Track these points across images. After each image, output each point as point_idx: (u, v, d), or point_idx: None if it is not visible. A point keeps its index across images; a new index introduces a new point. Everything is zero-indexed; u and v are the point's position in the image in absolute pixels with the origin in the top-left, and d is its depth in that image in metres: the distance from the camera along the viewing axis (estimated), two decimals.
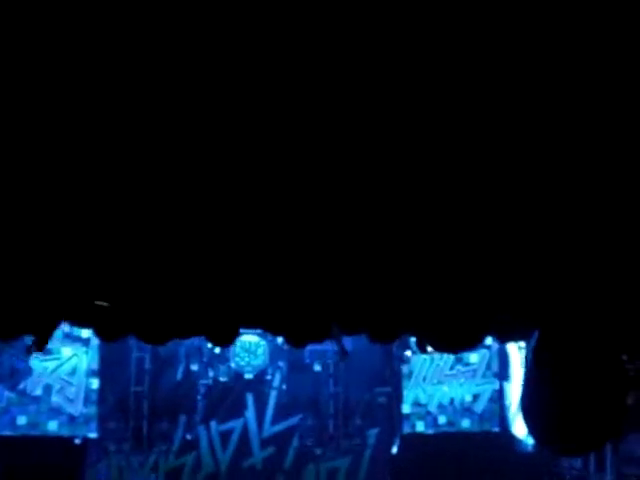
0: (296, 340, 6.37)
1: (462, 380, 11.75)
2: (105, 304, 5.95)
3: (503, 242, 5.46)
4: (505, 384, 11.65)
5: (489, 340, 11.12)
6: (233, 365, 11.64)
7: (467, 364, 11.78)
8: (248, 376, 11.68)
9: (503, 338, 6.75)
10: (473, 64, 4.65)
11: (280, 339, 10.49)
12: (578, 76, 4.67)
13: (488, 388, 11.70)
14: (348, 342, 10.98)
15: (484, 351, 11.52)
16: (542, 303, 5.66)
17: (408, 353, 11.63)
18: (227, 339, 6.41)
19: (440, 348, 6.46)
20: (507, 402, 11.67)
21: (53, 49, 4.66)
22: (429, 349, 9.63)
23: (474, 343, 6.15)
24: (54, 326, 5.98)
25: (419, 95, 4.79)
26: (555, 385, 5.65)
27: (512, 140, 4.95)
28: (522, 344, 10.97)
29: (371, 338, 6.32)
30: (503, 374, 11.61)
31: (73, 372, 11.22)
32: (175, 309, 5.94)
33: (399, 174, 5.19)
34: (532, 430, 5.68)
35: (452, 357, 11.70)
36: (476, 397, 11.74)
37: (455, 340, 6.02)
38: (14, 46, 4.61)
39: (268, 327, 6.48)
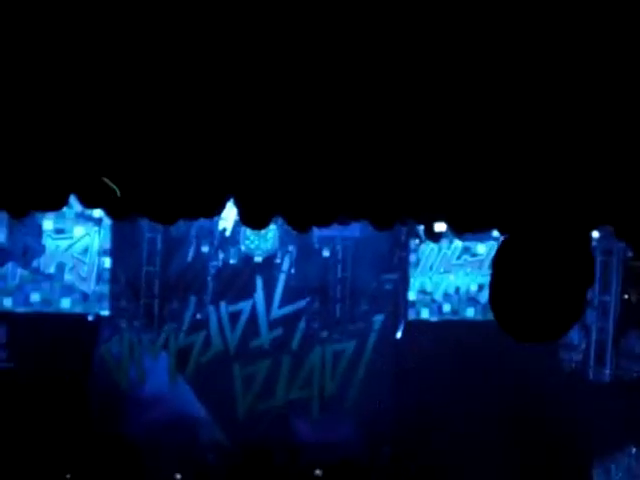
0: (300, 224, 6.42)
1: (468, 270, 11.88)
2: (114, 186, 5.99)
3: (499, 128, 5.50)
4: None
5: (497, 232, 11.18)
6: (243, 248, 11.78)
7: (474, 254, 11.89)
8: (258, 259, 11.83)
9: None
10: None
11: None
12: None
13: None
14: (356, 229, 11.12)
15: (492, 242, 11.59)
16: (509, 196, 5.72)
17: (416, 241, 11.72)
18: (261, 223, 6.50)
19: (454, 230, 6.53)
20: None
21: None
22: (438, 230, 9.64)
23: (485, 226, 6.19)
24: (64, 202, 6.03)
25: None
26: (519, 274, 5.73)
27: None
28: None
29: (372, 224, 6.38)
30: None
31: (86, 251, 11.38)
32: (197, 187, 5.98)
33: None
34: (498, 318, 5.79)
35: (460, 247, 11.80)
36: (481, 287, 11.88)
37: (465, 222, 6.07)
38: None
39: (278, 211, 6.53)
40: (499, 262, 5.88)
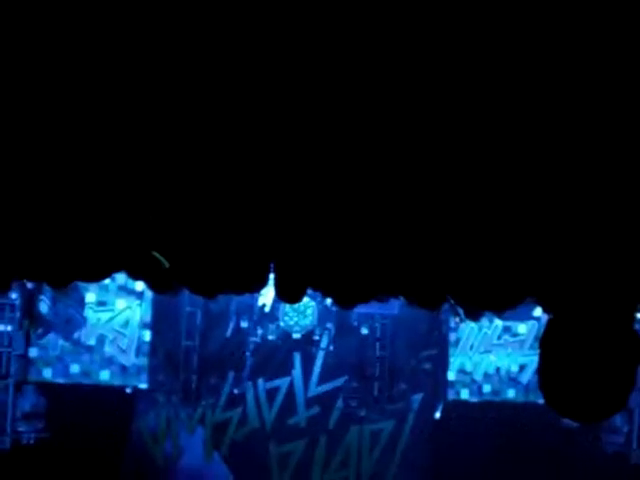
0: (345, 301, 6.45)
1: (509, 350, 11.73)
2: (161, 258, 6.07)
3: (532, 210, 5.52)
4: None
5: (538, 311, 11.11)
6: (282, 324, 11.78)
7: (515, 334, 11.75)
8: (296, 336, 11.82)
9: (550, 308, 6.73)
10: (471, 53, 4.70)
11: (329, 300, 10.58)
12: (578, 71, 4.69)
13: (535, 359, 11.64)
14: (395, 306, 11.08)
15: (533, 322, 11.49)
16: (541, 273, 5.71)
17: (456, 319, 11.63)
18: (295, 296, 6.55)
19: (481, 307, 6.52)
20: None
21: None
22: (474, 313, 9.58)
23: (514, 303, 6.17)
24: (107, 275, 6.13)
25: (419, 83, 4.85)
26: (567, 355, 5.71)
27: (519, 129, 5.01)
28: None
29: (414, 303, 6.38)
30: None
31: (126, 324, 11.47)
32: (240, 262, 6.05)
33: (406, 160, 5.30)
34: (548, 399, 5.78)
35: (500, 326, 11.69)
36: (522, 368, 11.71)
37: (494, 299, 6.06)
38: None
39: (318, 287, 6.57)
40: (546, 343, 5.87)
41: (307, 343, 11.87)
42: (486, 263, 5.87)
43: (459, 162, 5.40)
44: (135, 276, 6.60)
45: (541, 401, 11.43)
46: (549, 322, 5.97)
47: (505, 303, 6.24)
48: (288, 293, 6.44)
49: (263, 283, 6.30)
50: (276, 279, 6.31)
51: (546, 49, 4.65)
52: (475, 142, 5.20)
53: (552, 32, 4.59)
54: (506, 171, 5.43)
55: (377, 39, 4.69)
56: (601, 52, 4.63)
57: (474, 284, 6.06)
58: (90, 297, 11.29)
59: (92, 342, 11.35)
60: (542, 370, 5.87)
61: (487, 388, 11.74)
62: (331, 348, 11.86)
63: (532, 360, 11.67)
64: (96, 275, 6.11)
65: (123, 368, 11.44)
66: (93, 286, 11.03)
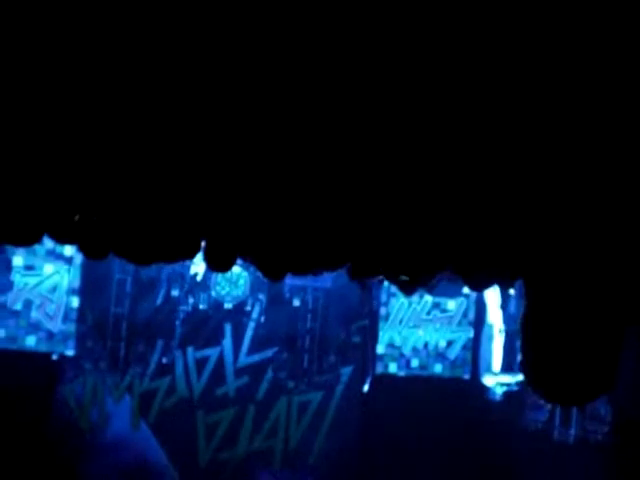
0: (273, 272, 6.46)
1: (438, 326, 11.91)
2: (87, 220, 5.97)
3: (490, 185, 5.55)
4: (480, 332, 11.83)
5: (468, 289, 11.28)
6: (213, 294, 11.73)
7: (444, 310, 11.93)
8: (227, 306, 11.78)
9: (478, 285, 6.82)
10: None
11: None
12: (578, 69, 4.74)
13: (462, 336, 11.88)
14: (328, 280, 11.14)
15: (462, 299, 11.68)
16: (525, 251, 5.75)
17: (386, 295, 11.76)
18: (225, 265, 6.52)
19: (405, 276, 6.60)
20: (480, 351, 11.87)
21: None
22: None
23: (430, 274, 6.24)
24: (36, 239, 6.01)
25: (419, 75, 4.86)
26: (549, 337, 5.75)
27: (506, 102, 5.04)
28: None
29: (351, 275, 6.42)
30: (479, 323, 11.78)
31: (54, 289, 11.28)
32: (172, 229, 5.98)
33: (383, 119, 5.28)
34: (530, 381, 5.81)
35: (429, 302, 11.85)
36: (450, 343, 11.92)
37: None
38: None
39: (248, 256, 6.55)
40: (527, 327, 5.90)
41: (238, 313, 11.85)
42: (413, 236, 5.92)
43: (391, 145, 5.42)
44: (65, 240, 6.49)
45: (466, 376, 11.83)
46: (527, 305, 6.00)
47: (426, 274, 6.32)
48: (217, 261, 6.41)
49: (196, 250, 6.26)
50: (206, 247, 6.27)
51: (546, 49, 4.69)
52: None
53: (552, 32, 4.63)
54: (442, 151, 5.46)
55: (376, 38, 4.68)
56: (601, 52, 4.68)
57: (401, 257, 6.13)
58: (17, 261, 11.06)
59: (18, 307, 11.13)
60: (525, 356, 5.88)
61: (415, 362, 11.92)
62: (262, 319, 11.86)
63: (459, 336, 11.89)
64: (26, 240, 6.00)
65: (50, 334, 11.27)
66: (21, 250, 10.81)
